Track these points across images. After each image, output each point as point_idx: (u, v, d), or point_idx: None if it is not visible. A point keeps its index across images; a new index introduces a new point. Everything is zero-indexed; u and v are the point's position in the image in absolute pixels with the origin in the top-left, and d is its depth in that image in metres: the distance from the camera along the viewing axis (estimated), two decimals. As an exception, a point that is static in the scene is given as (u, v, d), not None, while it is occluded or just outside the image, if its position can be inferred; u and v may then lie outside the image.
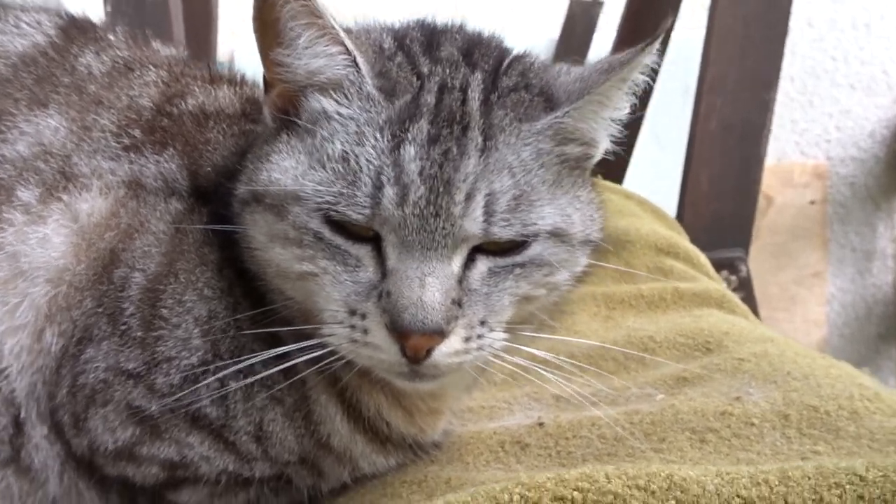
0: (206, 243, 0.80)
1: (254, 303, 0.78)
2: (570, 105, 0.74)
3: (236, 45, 2.34)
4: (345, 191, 0.70)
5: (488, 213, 0.70)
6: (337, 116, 0.73)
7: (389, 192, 0.69)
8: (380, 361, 0.72)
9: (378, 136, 0.71)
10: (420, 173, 0.69)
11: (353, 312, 0.71)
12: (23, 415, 0.76)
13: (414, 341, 0.69)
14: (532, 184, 0.72)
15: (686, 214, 1.89)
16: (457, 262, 0.71)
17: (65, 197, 0.78)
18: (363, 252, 0.71)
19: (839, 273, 3.04)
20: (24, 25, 0.87)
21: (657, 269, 1.50)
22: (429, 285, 0.69)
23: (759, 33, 1.88)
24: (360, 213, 0.69)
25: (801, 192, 3.02)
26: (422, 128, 0.71)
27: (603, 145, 0.79)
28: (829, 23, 2.71)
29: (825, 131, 2.89)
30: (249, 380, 0.76)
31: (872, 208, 2.96)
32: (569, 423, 0.91)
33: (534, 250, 0.73)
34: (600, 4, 2.47)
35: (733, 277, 1.85)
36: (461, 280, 0.71)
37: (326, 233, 0.71)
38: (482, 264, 0.72)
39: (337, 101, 0.73)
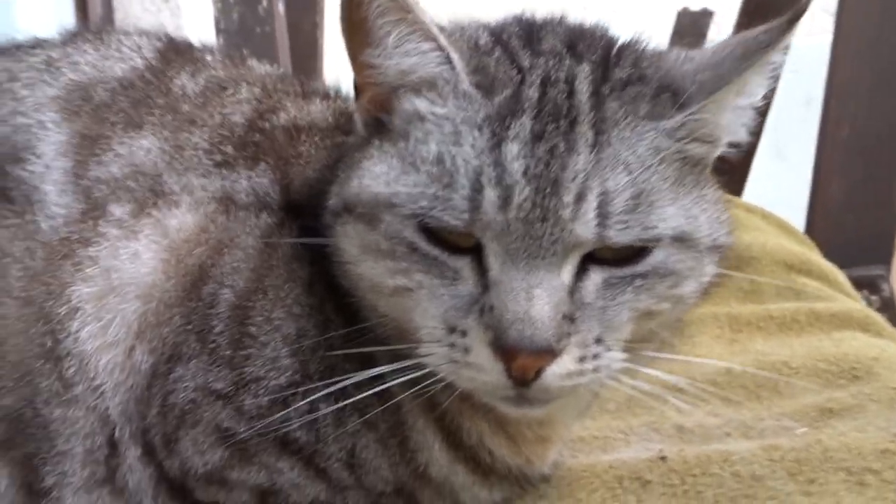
0: (296, 258, 0.75)
1: (346, 321, 0.73)
2: (705, 98, 0.65)
3: (342, 74, 2.37)
4: (440, 194, 0.63)
5: (602, 215, 0.62)
6: (431, 117, 0.67)
7: (490, 194, 0.62)
8: (482, 384, 0.64)
9: (476, 134, 0.64)
10: (524, 173, 0.62)
11: (452, 330, 0.64)
12: (117, 434, 0.74)
13: (521, 361, 0.61)
14: (652, 182, 0.64)
15: (817, 229, 1.72)
16: (567, 273, 0.63)
17: (154, 213, 0.75)
18: (462, 263, 0.65)
19: None
20: (126, 49, 0.87)
21: (787, 289, 1.35)
22: (536, 298, 0.61)
23: (893, 31, 1.71)
24: (457, 219, 0.63)
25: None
26: (524, 124, 0.64)
27: (732, 137, 0.69)
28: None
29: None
30: (341, 404, 0.70)
31: None
32: (696, 457, 0.80)
33: (656, 258, 0.64)
34: (710, 14, 2.34)
35: (874, 297, 1.66)
36: (573, 292, 0.63)
37: (421, 243, 0.65)
38: (596, 275, 0.64)
39: (431, 101, 0.67)
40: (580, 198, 0.62)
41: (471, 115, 0.65)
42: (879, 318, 1.28)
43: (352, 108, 0.82)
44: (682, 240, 0.64)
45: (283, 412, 0.71)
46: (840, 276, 1.42)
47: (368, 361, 0.69)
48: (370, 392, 0.69)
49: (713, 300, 1.39)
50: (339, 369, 0.70)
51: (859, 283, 1.64)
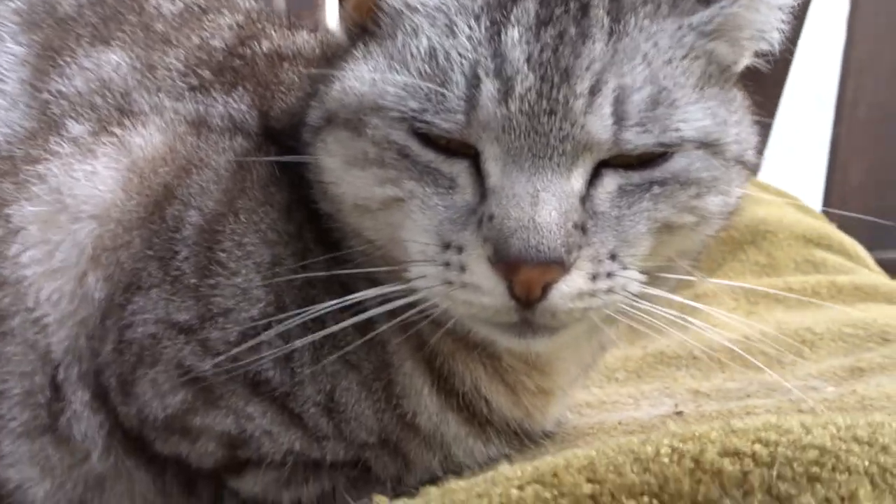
0: (273, 182, 0.67)
1: (327, 250, 0.65)
2: None
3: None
4: (433, 93, 0.56)
5: (619, 114, 0.54)
6: (421, 8, 0.60)
7: (489, 86, 0.55)
8: (481, 307, 0.56)
9: (473, 23, 0.57)
10: (528, 60, 0.55)
11: (446, 246, 0.56)
12: (61, 375, 0.65)
13: (525, 274, 0.53)
14: (675, 78, 0.56)
15: (833, 212, 1.63)
16: (579, 176, 0.55)
17: (118, 131, 0.68)
18: (458, 169, 0.57)
19: None
20: None
21: (806, 262, 1.27)
22: (543, 202, 0.53)
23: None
24: (452, 122, 0.55)
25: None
26: (528, 8, 0.56)
27: (762, 43, 0.62)
28: None
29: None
30: (317, 335, 0.62)
31: None
32: (715, 412, 0.71)
33: (678, 163, 0.56)
34: None
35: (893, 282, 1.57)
36: (584, 200, 0.56)
37: (413, 146, 0.57)
38: (611, 180, 0.56)
39: None
40: (595, 90, 0.54)
41: (467, 3, 0.58)
42: (906, 292, 1.19)
43: (342, 41, 0.75)
44: (707, 144, 0.57)
45: (253, 346, 0.62)
46: (861, 250, 1.33)
47: (350, 291, 0.62)
48: (349, 322, 0.61)
49: (727, 274, 1.32)
50: (318, 301, 0.62)
51: (882, 267, 1.55)
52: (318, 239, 0.66)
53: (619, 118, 0.54)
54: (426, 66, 0.57)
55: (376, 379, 0.65)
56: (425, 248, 0.57)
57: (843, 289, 1.16)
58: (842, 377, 0.82)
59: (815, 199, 1.69)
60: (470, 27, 0.57)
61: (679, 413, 0.72)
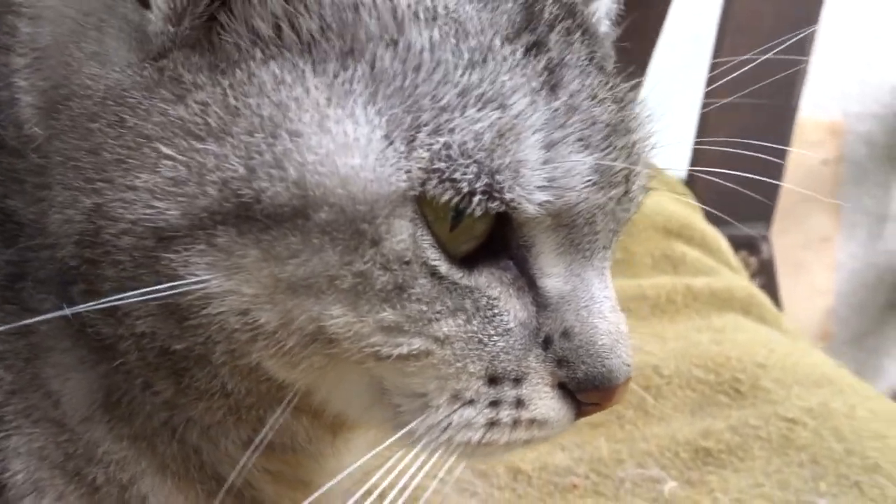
0: None
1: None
2: None
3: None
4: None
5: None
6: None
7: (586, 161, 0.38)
8: (522, 441, 0.41)
9: None
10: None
11: (495, 381, 0.39)
12: None
13: (619, 395, 0.41)
14: None
15: (698, 182, 1.48)
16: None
17: None
18: (492, 280, 0.39)
19: (850, 238, 2.67)
20: None
21: (665, 258, 1.10)
22: (616, 306, 0.41)
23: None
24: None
25: (813, 150, 2.63)
26: None
27: None
28: (861, -40, 2.27)
29: (844, 84, 2.47)
30: None
31: (889, 169, 2.59)
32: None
33: None
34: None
35: (752, 259, 1.45)
36: None
37: (442, 263, 0.37)
38: None
39: None
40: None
41: None
42: (762, 298, 1.06)
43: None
44: None
45: None
46: (722, 242, 1.19)
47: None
48: None
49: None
50: None
51: (738, 244, 1.43)
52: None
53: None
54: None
55: None
56: (460, 394, 0.39)
57: (699, 296, 1.01)
58: (685, 463, 0.66)
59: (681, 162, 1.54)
60: None
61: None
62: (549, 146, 0.36)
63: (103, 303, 0.34)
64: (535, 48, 0.37)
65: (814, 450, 0.61)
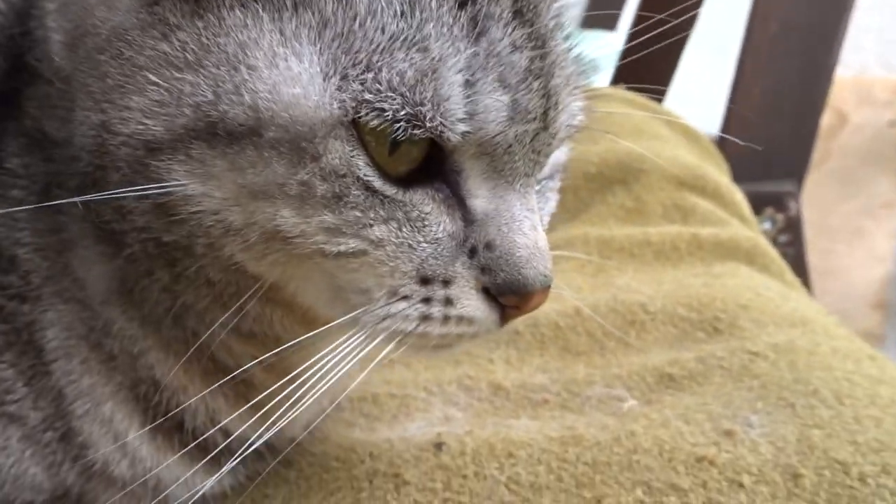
0: None
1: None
2: None
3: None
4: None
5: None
6: None
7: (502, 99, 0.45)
8: (455, 337, 0.49)
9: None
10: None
11: (425, 281, 0.47)
12: None
13: (535, 301, 0.48)
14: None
15: (732, 135, 1.48)
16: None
17: None
18: (425, 197, 0.46)
19: (913, 204, 2.57)
20: None
21: (675, 208, 1.13)
22: (536, 225, 0.48)
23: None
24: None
25: (880, 111, 2.53)
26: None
27: None
28: None
29: (916, 42, 2.37)
30: None
31: (959, 132, 2.47)
32: (474, 450, 0.60)
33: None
34: None
35: (780, 216, 1.46)
36: None
37: (376, 179, 0.44)
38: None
39: None
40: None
41: None
42: (770, 250, 1.08)
43: None
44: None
45: None
46: (738, 195, 1.20)
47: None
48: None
49: (590, 219, 1.18)
50: None
51: (765, 200, 1.43)
52: None
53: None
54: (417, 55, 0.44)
55: (48, 430, 0.51)
56: (397, 290, 0.47)
57: (703, 244, 1.04)
58: (649, 385, 0.71)
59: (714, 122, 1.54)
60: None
61: (438, 446, 0.61)
62: (470, 85, 0.42)
63: (109, 195, 0.43)
64: (467, 2, 0.43)
65: (766, 378, 0.66)
